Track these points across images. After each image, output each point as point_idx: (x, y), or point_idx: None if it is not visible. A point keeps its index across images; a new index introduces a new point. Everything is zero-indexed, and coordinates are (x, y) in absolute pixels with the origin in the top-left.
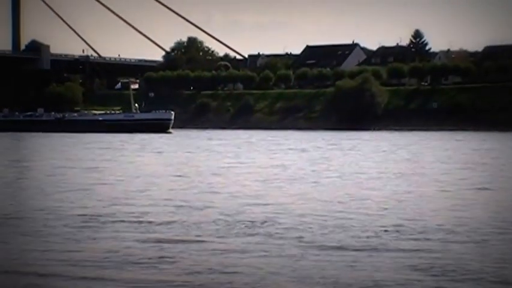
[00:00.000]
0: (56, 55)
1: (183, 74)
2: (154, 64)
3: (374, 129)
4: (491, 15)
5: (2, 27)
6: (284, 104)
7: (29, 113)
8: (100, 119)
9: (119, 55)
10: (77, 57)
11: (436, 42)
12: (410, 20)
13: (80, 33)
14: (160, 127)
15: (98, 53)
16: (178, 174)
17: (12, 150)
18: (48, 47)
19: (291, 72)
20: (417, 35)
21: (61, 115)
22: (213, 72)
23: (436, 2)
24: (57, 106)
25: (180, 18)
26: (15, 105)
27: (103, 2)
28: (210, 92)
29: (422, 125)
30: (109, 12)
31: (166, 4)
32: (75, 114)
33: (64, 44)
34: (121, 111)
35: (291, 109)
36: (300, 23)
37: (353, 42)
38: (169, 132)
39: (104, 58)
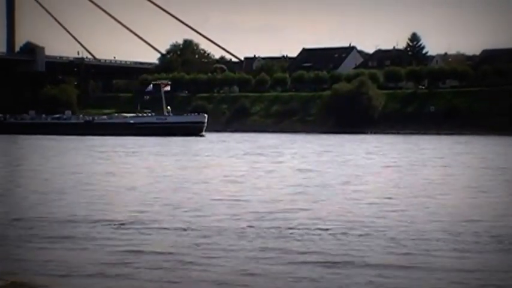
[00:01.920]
0: (51, 57)
1: (179, 77)
2: (149, 66)
3: (370, 133)
4: (489, 19)
5: None
6: (280, 107)
7: (56, 116)
8: (131, 121)
9: (114, 57)
10: (72, 59)
11: (433, 46)
12: (408, 23)
13: (75, 35)
14: (193, 130)
15: (93, 55)
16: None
17: (68, 154)
18: (43, 48)
19: (287, 75)
20: (414, 38)
21: (90, 118)
22: (209, 74)
23: (434, 6)
24: (52, 108)
25: (175, 21)
26: (9, 107)
27: (98, 4)
28: (205, 94)
29: (419, 128)
30: (104, 14)
31: (161, 6)
32: (105, 116)
33: (59, 46)
34: (153, 113)
35: (287, 112)
36: (297, 25)
37: (350, 45)
38: (202, 136)
39: (99, 60)
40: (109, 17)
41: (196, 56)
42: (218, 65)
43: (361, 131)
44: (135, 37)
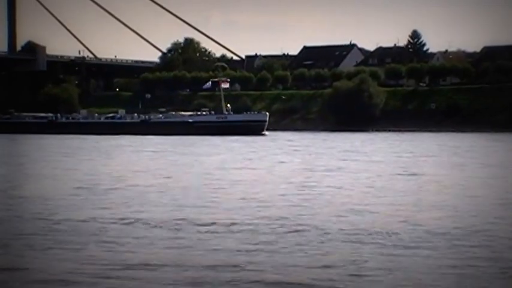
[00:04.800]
0: (52, 56)
1: (180, 75)
2: (150, 65)
3: (372, 131)
4: (490, 16)
5: None
6: (281, 105)
7: (110, 115)
8: (190, 120)
9: (115, 56)
10: (73, 58)
11: (434, 43)
12: (408, 20)
13: (76, 34)
14: (254, 129)
15: (94, 54)
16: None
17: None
18: (44, 48)
19: (288, 73)
20: (415, 35)
21: (146, 117)
22: (210, 73)
23: (434, 3)
24: (53, 107)
25: (176, 19)
26: (10, 107)
27: (99, 3)
28: (207, 93)
29: (420, 126)
30: (105, 13)
31: (162, 5)
32: (161, 115)
33: (60, 45)
34: (212, 112)
35: (288, 110)
36: (297, 23)
37: (350, 42)
38: (264, 135)
39: (100, 59)
40: (110, 16)
41: (198, 55)
42: (219, 64)
43: (362, 128)
44: (136, 36)
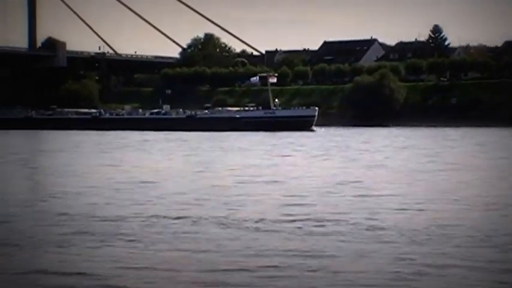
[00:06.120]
0: (72, 52)
1: (200, 71)
2: (171, 61)
3: (392, 126)
4: (511, 10)
5: (18, 24)
6: (301, 100)
7: (155, 110)
8: (237, 116)
9: (135, 52)
10: (93, 54)
11: (455, 38)
12: (429, 15)
13: (96, 30)
14: (303, 125)
15: (114, 50)
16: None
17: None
18: (64, 44)
19: (308, 68)
20: (436, 30)
21: (192, 112)
22: (230, 68)
23: None
24: (74, 104)
25: (196, 15)
26: (31, 103)
27: None
28: (227, 88)
29: (441, 121)
30: (125, 8)
31: (183, 0)
32: (207, 111)
33: (80, 41)
34: (260, 107)
35: (308, 105)
36: (318, 18)
37: (371, 37)
38: (313, 130)
39: (120, 55)
40: (130, 12)
41: (218, 50)
42: (239, 59)
43: (382, 123)
44: (157, 31)
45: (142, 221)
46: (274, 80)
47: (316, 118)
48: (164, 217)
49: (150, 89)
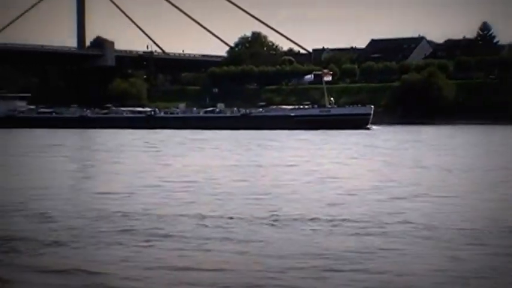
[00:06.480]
0: (120, 51)
1: (247, 69)
2: (218, 59)
3: (440, 124)
4: None
5: (67, 24)
6: (348, 99)
7: (209, 109)
8: (292, 114)
9: (183, 51)
10: (141, 53)
11: (504, 35)
12: (478, 12)
13: (144, 29)
14: (359, 123)
15: (162, 49)
16: None
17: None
18: (112, 43)
19: (355, 66)
20: (485, 27)
21: (247, 111)
22: (277, 67)
23: None
24: (122, 103)
25: (244, 13)
26: (80, 102)
27: None
28: (274, 87)
29: (489, 119)
30: (173, 7)
31: None
32: (261, 109)
33: (128, 40)
34: (313, 105)
35: (355, 103)
36: (365, 16)
37: (419, 35)
38: (368, 128)
39: (168, 54)
40: (178, 11)
41: (265, 49)
42: (286, 57)
43: (429, 122)
44: (204, 30)
45: (195, 220)
46: (329, 78)
47: (371, 116)
48: (220, 217)
49: (197, 87)
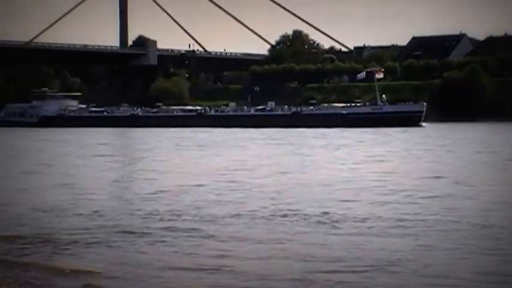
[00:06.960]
0: (163, 50)
1: (289, 67)
2: (259, 58)
3: (481, 121)
4: None
5: (109, 23)
6: (390, 97)
7: (259, 107)
8: (343, 112)
9: (224, 49)
10: (183, 52)
11: None
12: None
13: (186, 28)
14: (410, 120)
15: (203, 48)
16: None
17: None
18: (155, 42)
19: (397, 64)
20: None
21: (298, 109)
22: (319, 65)
23: None
24: (164, 101)
25: (285, 12)
26: (123, 101)
27: None
28: (315, 85)
29: None
30: (215, 6)
31: None
32: (312, 107)
33: (170, 39)
34: (367, 103)
35: (397, 101)
36: (406, 14)
37: (460, 32)
38: (421, 126)
39: (210, 53)
40: (219, 10)
41: (306, 47)
42: (328, 55)
43: (472, 119)
44: (245, 29)
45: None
46: (381, 75)
47: (424, 113)
48: (271, 216)
49: (239, 86)
